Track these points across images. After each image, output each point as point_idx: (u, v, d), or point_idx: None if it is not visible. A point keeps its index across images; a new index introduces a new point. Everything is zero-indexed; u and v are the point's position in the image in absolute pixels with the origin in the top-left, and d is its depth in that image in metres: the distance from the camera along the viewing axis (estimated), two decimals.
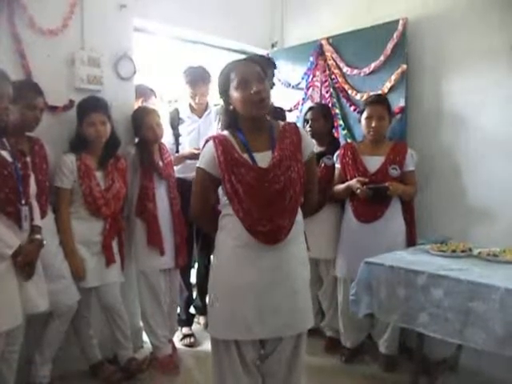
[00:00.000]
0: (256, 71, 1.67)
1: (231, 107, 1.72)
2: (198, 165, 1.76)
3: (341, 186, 2.71)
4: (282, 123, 1.80)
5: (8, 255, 1.79)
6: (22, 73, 2.37)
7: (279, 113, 2.97)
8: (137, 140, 2.74)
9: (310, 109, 3.01)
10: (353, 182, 2.61)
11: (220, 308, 1.73)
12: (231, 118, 1.76)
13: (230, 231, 1.71)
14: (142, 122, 2.65)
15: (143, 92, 3.30)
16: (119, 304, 2.52)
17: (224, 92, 1.73)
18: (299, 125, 1.92)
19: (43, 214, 2.20)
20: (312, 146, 1.86)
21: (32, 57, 2.41)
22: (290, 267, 1.72)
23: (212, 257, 1.87)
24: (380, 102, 2.67)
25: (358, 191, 2.55)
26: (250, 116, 1.69)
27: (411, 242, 2.63)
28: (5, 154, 1.85)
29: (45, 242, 1.99)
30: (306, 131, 2.90)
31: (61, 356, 2.42)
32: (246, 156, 1.68)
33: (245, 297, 1.68)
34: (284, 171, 1.66)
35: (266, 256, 1.68)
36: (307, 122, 2.95)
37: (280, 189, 1.65)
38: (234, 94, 1.67)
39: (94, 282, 2.42)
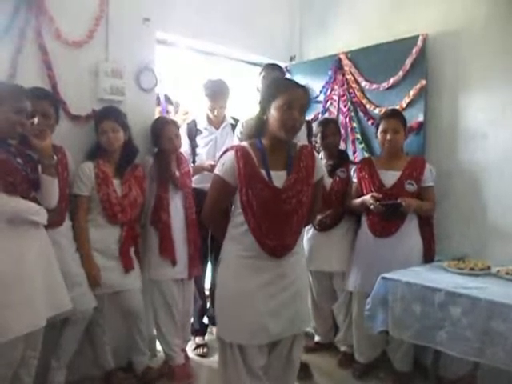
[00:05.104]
0: (303, 101, 1.78)
1: (265, 117, 1.80)
2: (216, 172, 1.82)
3: (357, 201, 2.71)
4: (299, 145, 1.88)
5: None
6: (48, 83, 2.44)
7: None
8: (156, 150, 2.78)
9: (326, 124, 2.98)
10: (367, 198, 2.61)
11: (226, 313, 1.83)
12: (259, 127, 1.84)
13: (240, 242, 1.80)
14: (160, 132, 2.68)
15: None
16: (142, 309, 2.56)
17: (267, 101, 1.80)
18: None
19: (61, 221, 2.26)
20: (323, 170, 1.98)
21: (58, 67, 2.47)
22: (294, 274, 1.84)
23: (219, 265, 1.93)
24: (394, 115, 2.67)
25: (372, 207, 2.55)
26: (277, 136, 1.78)
27: (429, 258, 2.60)
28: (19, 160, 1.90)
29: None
30: (326, 143, 2.92)
31: (75, 362, 2.45)
32: (263, 172, 1.76)
33: (250, 304, 1.77)
34: (295, 194, 1.77)
35: (272, 266, 1.79)
36: (325, 137, 2.92)
37: (290, 209, 1.76)
38: (274, 111, 1.75)
39: (111, 289, 2.45)
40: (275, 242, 1.75)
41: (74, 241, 2.37)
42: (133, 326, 2.56)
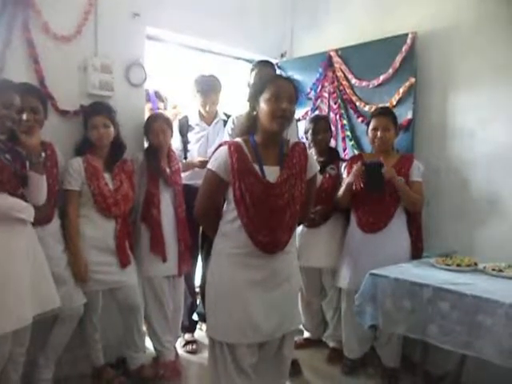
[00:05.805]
0: (290, 91, 1.78)
1: (255, 113, 1.81)
2: (209, 167, 1.82)
3: (342, 188, 2.69)
4: (292, 142, 1.89)
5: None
6: (35, 77, 2.41)
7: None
8: (146, 146, 2.77)
9: (317, 120, 2.98)
10: (350, 175, 2.62)
11: (217, 311, 1.82)
12: (251, 124, 1.85)
13: (232, 238, 1.80)
14: (148, 127, 2.69)
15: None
16: (141, 304, 2.56)
17: (254, 97, 1.82)
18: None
19: (49, 219, 2.24)
20: (316, 167, 1.97)
21: (46, 62, 2.45)
22: (286, 273, 1.85)
23: (210, 261, 1.91)
24: (385, 113, 2.69)
25: (354, 168, 2.57)
26: (269, 129, 1.77)
27: (417, 254, 2.62)
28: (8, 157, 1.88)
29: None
30: (317, 140, 2.91)
31: (64, 358, 2.43)
32: (256, 167, 1.76)
33: (241, 302, 1.77)
34: (288, 189, 1.77)
35: (264, 264, 1.79)
36: (316, 133, 2.91)
37: (283, 205, 1.76)
38: (263, 105, 1.76)
39: (109, 285, 2.43)
40: (268, 238, 1.75)
41: (63, 238, 2.34)
42: (132, 322, 2.54)
